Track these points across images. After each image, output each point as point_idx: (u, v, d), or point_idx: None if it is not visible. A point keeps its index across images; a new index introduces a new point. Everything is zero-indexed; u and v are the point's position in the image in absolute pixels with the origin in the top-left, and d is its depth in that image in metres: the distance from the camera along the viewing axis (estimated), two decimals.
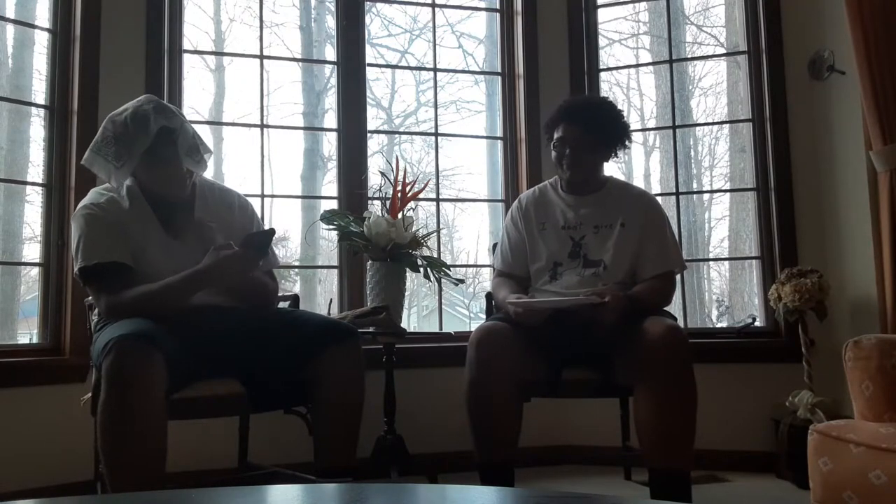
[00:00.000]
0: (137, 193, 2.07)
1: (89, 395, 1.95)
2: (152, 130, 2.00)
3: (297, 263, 4.13)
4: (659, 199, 2.55)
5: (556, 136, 2.41)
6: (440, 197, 3.43)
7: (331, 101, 3.77)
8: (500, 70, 3.50)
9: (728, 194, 4.71)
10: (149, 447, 1.76)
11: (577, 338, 2.18)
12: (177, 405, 1.91)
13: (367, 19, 3.42)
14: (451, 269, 2.80)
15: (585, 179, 2.43)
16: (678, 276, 2.51)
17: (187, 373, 1.94)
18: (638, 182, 4.22)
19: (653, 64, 4.56)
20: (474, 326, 2.28)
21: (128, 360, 1.73)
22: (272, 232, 2.04)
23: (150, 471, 1.75)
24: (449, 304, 4.87)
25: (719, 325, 4.34)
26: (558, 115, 2.43)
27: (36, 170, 2.95)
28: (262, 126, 3.22)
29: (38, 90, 2.97)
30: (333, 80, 3.48)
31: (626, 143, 2.44)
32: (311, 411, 2.19)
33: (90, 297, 2.18)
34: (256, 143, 3.19)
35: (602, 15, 3.49)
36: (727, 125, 4.43)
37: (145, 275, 1.99)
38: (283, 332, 2.06)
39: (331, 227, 2.70)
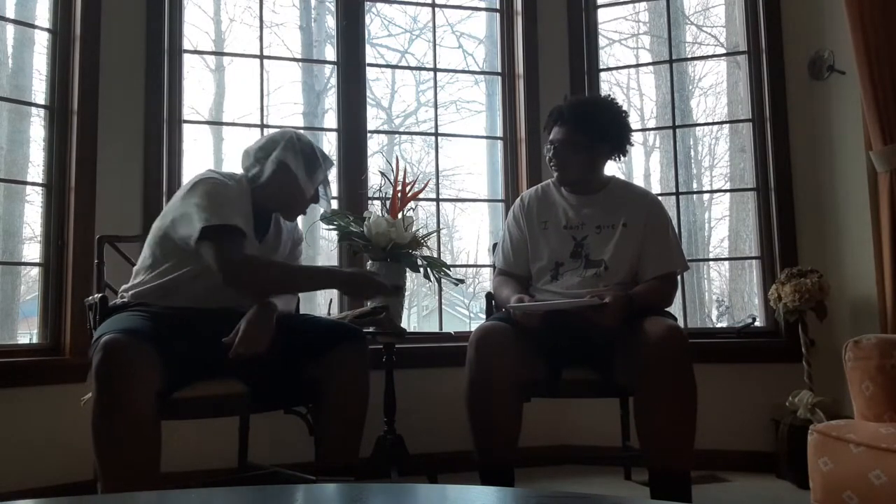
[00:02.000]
0: (249, 192, 2.12)
1: (89, 395, 1.94)
2: (328, 168, 2.23)
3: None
4: (659, 199, 2.54)
5: (549, 137, 2.43)
6: (440, 197, 3.43)
7: (331, 101, 3.77)
8: (500, 70, 3.50)
9: (728, 194, 4.72)
10: (140, 446, 1.74)
11: (577, 338, 2.18)
12: (178, 404, 1.92)
13: (367, 19, 3.42)
14: (451, 269, 2.79)
15: (578, 180, 2.43)
16: (679, 276, 2.51)
17: (189, 372, 1.94)
18: (638, 182, 4.22)
19: (653, 64, 4.57)
20: (474, 326, 2.28)
21: (116, 357, 1.72)
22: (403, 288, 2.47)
23: (142, 470, 1.74)
24: (449, 304, 4.88)
25: (719, 325, 4.34)
26: (550, 116, 2.46)
27: (36, 170, 2.95)
28: (262, 126, 3.22)
29: (38, 90, 2.97)
30: (333, 80, 3.48)
31: (625, 142, 2.43)
32: (311, 411, 2.19)
33: (132, 276, 2.15)
34: None
35: (602, 15, 3.49)
36: (727, 125, 4.43)
37: None
38: (290, 333, 2.06)
39: (331, 227, 2.70)
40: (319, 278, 2.24)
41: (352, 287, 2.21)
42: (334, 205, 2.35)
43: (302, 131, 2.28)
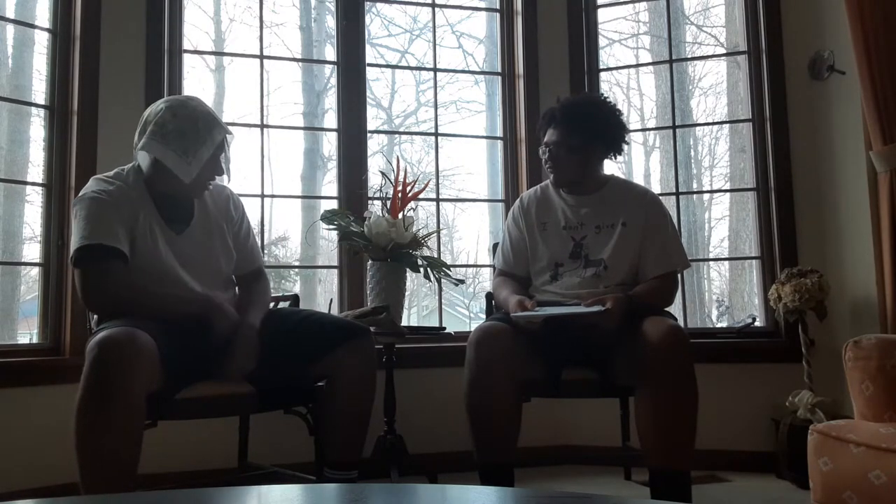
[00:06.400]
0: (142, 185, 2.05)
1: None
2: (217, 138, 2.02)
3: (297, 263, 4.13)
4: (659, 197, 2.54)
5: (543, 139, 2.44)
6: (440, 197, 3.43)
7: (331, 101, 3.77)
8: (500, 70, 3.50)
9: (728, 194, 4.72)
10: (122, 448, 1.72)
11: (577, 338, 2.18)
12: (185, 404, 1.92)
13: (367, 19, 3.42)
14: (451, 269, 2.80)
15: (574, 181, 2.43)
16: (679, 274, 2.50)
17: (192, 372, 1.94)
18: (638, 182, 4.21)
19: (653, 64, 4.57)
20: (474, 326, 2.28)
21: (112, 355, 1.69)
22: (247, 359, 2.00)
23: (122, 471, 1.72)
24: (449, 304, 4.88)
25: (719, 325, 4.34)
26: (543, 118, 2.47)
27: (36, 170, 2.95)
28: (262, 126, 3.22)
29: (38, 90, 2.97)
30: (333, 80, 3.48)
31: (620, 141, 2.42)
32: (311, 411, 2.19)
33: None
34: (256, 143, 3.19)
35: (602, 15, 3.49)
36: (727, 125, 4.43)
37: (152, 267, 1.99)
38: (296, 332, 2.06)
39: (331, 227, 2.70)
40: (172, 305, 1.97)
41: (199, 313, 1.99)
42: (239, 178, 2.17)
43: (187, 98, 2.12)
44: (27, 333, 2.97)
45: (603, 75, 3.48)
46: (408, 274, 2.66)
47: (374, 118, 4.18)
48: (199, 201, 2.14)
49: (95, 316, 2.06)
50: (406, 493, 1.31)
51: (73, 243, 1.94)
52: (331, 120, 3.73)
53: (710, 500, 2.56)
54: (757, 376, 3.01)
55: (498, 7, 3.52)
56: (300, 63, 3.86)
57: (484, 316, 2.63)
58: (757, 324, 3.17)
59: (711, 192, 4.85)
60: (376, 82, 3.89)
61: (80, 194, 2.01)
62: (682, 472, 2.02)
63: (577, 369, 2.23)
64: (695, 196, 4.66)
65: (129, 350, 1.71)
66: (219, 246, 2.15)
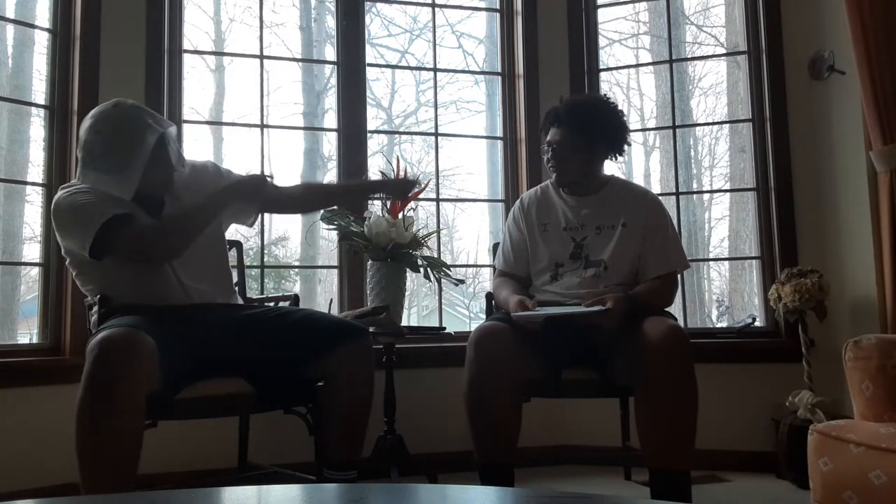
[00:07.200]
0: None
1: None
2: (150, 140, 1.96)
3: (297, 263, 4.13)
4: (659, 198, 2.54)
5: (546, 139, 2.44)
6: (440, 197, 3.43)
7: (331, 101, 3.77)
8: (500, 70, 3.50)
9: (728, 194, 4.72)
10: (123, 450, 1.72)
11: (577, 338, 2.18)
12: (185, 404, 1.92)
13: (367, 19, 3.42)
14: (451, 269, 2.80)
15: (577, 181, 2.43)
16: (679, 276, 2.51)
17: (192, 372, 1.94)
18: (638, 182, 4.21)
19: (653, 64, 4.57)
20: (474, 326, 2.28)
21: (112, 356, 1.69)
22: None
23: (122, 471, 1.72)
24: (449, 304, 4.88)
25: (719, 325, 4.34)
26: (547, 118, 2.47)
27: (36, 170, 2.95)
28: (262, 126, 3.22)
29: (38, 90, 2.97)
30: (333, 80, 3.48)
31: (623, 142, 2.43)
32: (311, 411, 2.19)
33: (86, 294, 2.12)
34: (256, 143, 3.19)
35: (602, 15, 3.49)
36: (727, 125, 4.43)
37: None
38: (294, 331, 2.07)
39: (331, 227, 2.70)
40: (214, 204, 2.03)
41: (240, 195, 2.08)
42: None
43: (112, 105, 2.02)
44: (27, 333, 2.97)
45: (603, 75, 3.48)
46: (408, 274, 2.66)
47: (374, 118, 4.18)
48: (169, 196, 2.11)
49: (95, 316, 2.06)
50: (406, 493, 1.31)
51: (83, 248, 1.91)
52: (331, 120, 3.73)
53: (710, 500, 2.56)
54: (757, 376, 3.00)
55: (498, 7, 3.52)
56: (300, 63, 3.86)
57: (484, 316, 2.63)
58: (757, 324, 3.17)
59: (711, 192, 4.85)
60: (376, 82, 3.89)
61: (52, 208, 2.00)
62: (682, 472, 2.02)
63: (577, 369, 2.23)
64: (695, 196, 4.66)
65: (129, 350, 1.71)
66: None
